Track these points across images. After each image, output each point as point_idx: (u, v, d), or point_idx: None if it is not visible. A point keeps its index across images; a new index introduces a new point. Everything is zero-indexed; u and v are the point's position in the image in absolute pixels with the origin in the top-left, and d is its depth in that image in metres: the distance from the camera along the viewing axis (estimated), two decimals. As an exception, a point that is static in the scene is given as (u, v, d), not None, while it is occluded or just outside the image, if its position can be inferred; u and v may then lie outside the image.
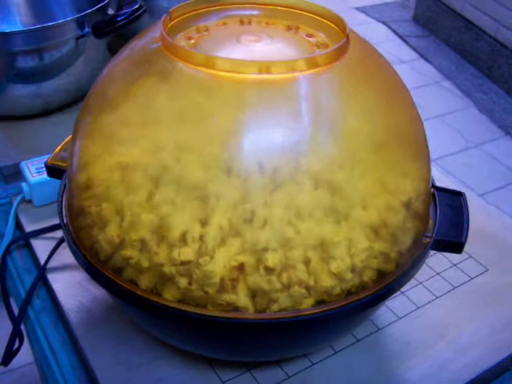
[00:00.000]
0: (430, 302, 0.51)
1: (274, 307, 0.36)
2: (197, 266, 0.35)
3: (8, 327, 0.50)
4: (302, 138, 0.36)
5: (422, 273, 0.54)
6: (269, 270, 0.35)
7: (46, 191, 0.59)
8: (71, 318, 0.48)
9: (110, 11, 0.72)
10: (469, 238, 0.57)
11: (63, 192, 0.45)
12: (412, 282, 0.53)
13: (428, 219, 0.43)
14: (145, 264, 0.36)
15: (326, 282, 0.37)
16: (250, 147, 0.35)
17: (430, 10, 2.66)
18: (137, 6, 0.69)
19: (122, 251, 0.36)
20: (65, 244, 0.55)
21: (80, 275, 0.53)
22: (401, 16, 2.84)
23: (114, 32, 0.69)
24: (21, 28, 0.80)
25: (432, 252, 0.56)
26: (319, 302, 0.37)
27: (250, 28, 0.42)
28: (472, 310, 0.50)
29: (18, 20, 0.82)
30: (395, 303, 0.51)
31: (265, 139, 0.36)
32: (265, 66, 0.34)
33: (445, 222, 0.42)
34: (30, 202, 0.60)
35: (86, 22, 0.68)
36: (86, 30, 0.68)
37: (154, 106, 0.37)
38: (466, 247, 0.56)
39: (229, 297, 0.35)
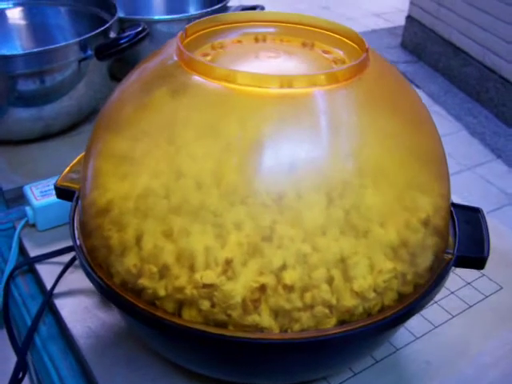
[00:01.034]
0: (446, 321, 0.50)
1: (296, 327, 0.35)
2: (216, 288, 0.34)
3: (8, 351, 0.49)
4: (323, 154, 0.36)
5: (437, 292, 0.53)
6: (288, 289, 0.35)
7: (51, 215, 0.58)
8: (81, 344, 0.47)
9: (112, 35, 0.72)
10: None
11: (74, 213, 0.44)
12: (427, 301, 0.52)
13: (448, 236, 0.42)
14: (162, 293, 0.35)
15: (349, 301, 0.36)
16: (272, 165, 0.35)
17: (417, 37, 2.71)
18: (140, 29, 0.68)
19: (140, 280, 0.35)
20: (71, 269, 0.54)
21: (87, 300, 0.51)
22: (389, 43, 2.89)
23: (117, 54, 0.68)
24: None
25: (446, 271, 0.56)
26: (341, 322, 0.36)
27: (265, 45, 0.42)
28: (490, 328, 0.50)
29: (19, 45, 0.82)
30: (412, 323, 0.50)
31: (286, 156, 0.35)
32: (286, 81, 0.34)
33: (465, 238, 0.42)
34: (33, 226, 0.59)
35: (89, 44, 0.68)
36: (89, 52, 0.68)
37: (173, 124, 0.36)
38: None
39: (252, 318, 0.34)
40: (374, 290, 0.36)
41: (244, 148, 0.35)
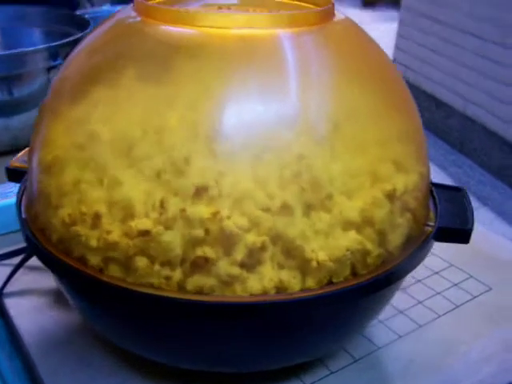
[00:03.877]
0: (432, 321, 0.46)
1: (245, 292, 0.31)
2: (153, 239, 0.30)
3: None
4: (287, 105, 0.33)
5: (421, 292, 0.49)
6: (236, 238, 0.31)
7: (6, 218, 0.54)
8: (28, 343, 0.42)
9: (85, 46, 0.70)
10: (467, 259, 0.54)
11: (23, 193, 0.40)
12: (411, 301, 0.48)
13: (428, 210, 0.39)
14: (93, 242, 0.31)
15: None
16: (230, 116, 0.32)
17: (400, 92, 2.75)
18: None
19: (72, 227, 0.32)
20: (24, 271, 0.50)
21: (40, 300, 0.47)
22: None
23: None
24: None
25: (430, 272, 0.52)
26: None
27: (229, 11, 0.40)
28: (479, 327, 0.45)
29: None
30: (394, 322, 0.46)
31: (245, 108, 0.32)
32: (247, 20, 0.32)
33: (447, 212, 0.39)
34: (-12, 230, 0.55)
35: (59, 53, 0.66)
36: (59, 61, 0.66)
37: (126, 72, 0.33)
38: (466, 267, 0.53)
39: (199, 279, 0.30)
40: (337, 261, 0.32)
41: (199, 94, 0.32)
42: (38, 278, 0.49)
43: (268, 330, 0.33)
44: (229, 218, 0.30)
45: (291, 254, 0.31)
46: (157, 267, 0.30)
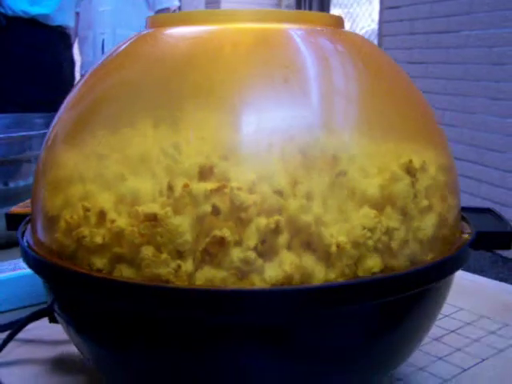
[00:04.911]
0: (476, 365, 0.41)
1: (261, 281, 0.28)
2: (160, 222, 0.28)
3: None
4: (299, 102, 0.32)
5: (458, 341, 0.45)
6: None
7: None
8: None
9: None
10: (498, 311, 0.50)
11: (24, 232, 0.37)
12: (449, 349, 0.44)
13: (460, 222, 0.36)
14: (98, 239, 0.29)
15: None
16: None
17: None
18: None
19: (76, 230, 0.30)
20: (15, 343, 0.45)
21: (34, 369, 0.42)
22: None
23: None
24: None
25: (462, 324, 0.48)
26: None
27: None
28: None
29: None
30: (436, 368, 0.41)
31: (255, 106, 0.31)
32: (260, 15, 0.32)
33: (483, 222, 0.36)
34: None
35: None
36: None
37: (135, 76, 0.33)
38: (499, 318, 0.48)
39: (211, 270, 0.27)
40: (356, 244, 0.29)
41: (209, 92, 0.31)
42: (31, 349, 0.45)
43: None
44: (239, 189, 0.28)
45: (308, 240, 0.28)
46: (165, 256, 0.27)
